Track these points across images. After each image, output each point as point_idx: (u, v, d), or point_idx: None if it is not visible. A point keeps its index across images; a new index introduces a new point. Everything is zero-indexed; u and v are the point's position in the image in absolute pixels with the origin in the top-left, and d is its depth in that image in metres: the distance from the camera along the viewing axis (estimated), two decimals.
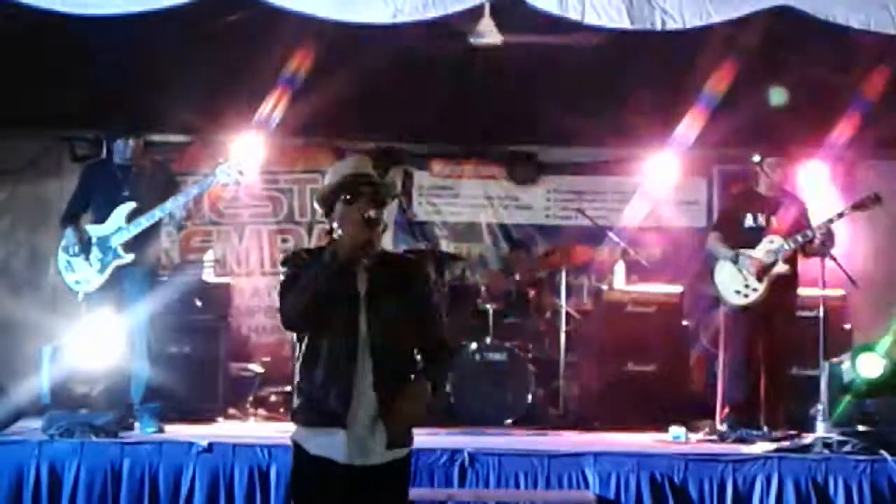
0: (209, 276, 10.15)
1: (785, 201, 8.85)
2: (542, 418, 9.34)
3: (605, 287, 10.30)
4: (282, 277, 4.35)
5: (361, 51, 8.72)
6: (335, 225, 4.23)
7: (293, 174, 11.60)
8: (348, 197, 4.23)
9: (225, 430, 8.34)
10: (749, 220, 8.77)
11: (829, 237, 8.47)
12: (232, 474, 6.63)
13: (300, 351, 4.28)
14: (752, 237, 8.68)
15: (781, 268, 8.53)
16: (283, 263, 4.40)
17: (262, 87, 9.71)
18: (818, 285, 8.63)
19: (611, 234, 10.56)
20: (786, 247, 8.53)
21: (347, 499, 4.23)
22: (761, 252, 8.56)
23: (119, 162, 8.02)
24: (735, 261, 8.61)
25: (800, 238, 8.50)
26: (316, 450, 4.23)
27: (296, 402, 4.37)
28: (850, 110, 9.89)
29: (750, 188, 8.99)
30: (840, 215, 8.69)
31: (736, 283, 8.57)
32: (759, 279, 8.51)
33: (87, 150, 10.55)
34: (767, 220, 8.73)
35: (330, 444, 4.21)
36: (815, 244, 8.47)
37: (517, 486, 6.62)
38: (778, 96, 9.69)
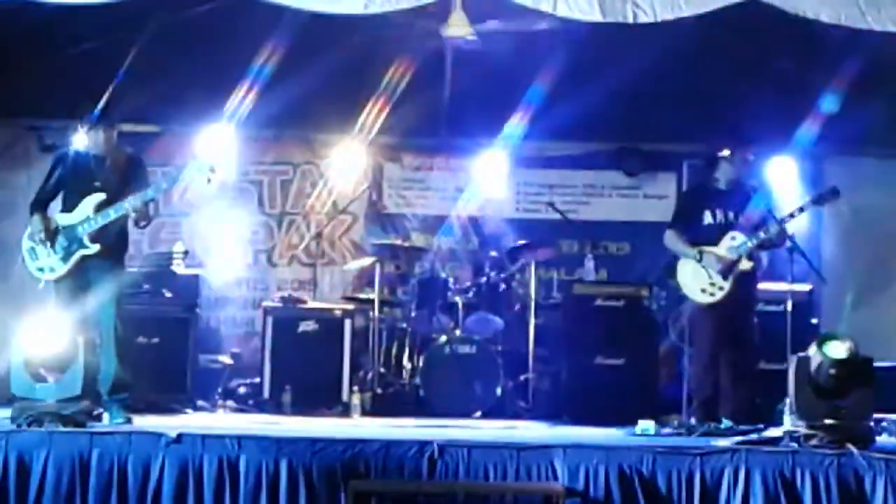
0: (178, 267, 10.10)
1: (747, 196, 8.86)
2: (511, 411, 9.35)
3: (574, 280, 10.34)
4: None
5: (333, 44, 8.71)
6: None
7: (264, 166, 11.57)
8: None
9: (194, 421, 8.31)
10: (708, 217, 8.75)
11: (782, 233, 8.53)
12: (201, 465, 6.58)
13: None
14: (713, 234, 8.66)
15: (746, 265, 8.53)
16: None
17: (234, 79, 9.69)
18: (786, 280, 8.66)
19: (579, 227, 10.58)
20: (749, 243, 8.52)
21: None
22: (724, 249, 8.55)
23: (93, 152, 7.96)
24: (699, 259, 8.60)
25: (762, 234, 8.51)
26: None
27: None
28: (813, 107, 9.95)
29: (711, 185, 8.99)
30: (801, 210, 8.72)
31: (701, 282, 8.54)
32: (725, 277, 8.50)
33: (54, 140, 10.45)
34: (726, 216, 8.74)
35: None
36: (774, 238, 8.53)
37: (486, 478, 6.59)
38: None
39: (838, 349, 6.86)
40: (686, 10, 6.16)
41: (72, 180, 7.96)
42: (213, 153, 8.23)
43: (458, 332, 9.73)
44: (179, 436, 6.67)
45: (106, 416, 7.66)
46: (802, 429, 6.75)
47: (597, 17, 6.15)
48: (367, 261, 10.46)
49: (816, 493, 6.36)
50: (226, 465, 6.57)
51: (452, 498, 6.61)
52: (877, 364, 7.73)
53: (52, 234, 7.83)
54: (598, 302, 9.68)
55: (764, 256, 9.04)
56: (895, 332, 10.15)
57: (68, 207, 7.90)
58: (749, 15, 6.50)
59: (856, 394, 6.78)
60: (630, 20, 6.15)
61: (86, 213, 7.80)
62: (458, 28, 8.89)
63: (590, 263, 10.24)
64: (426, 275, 10.40)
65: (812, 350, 6.89)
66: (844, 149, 10.99)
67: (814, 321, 9.91)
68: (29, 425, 6.83)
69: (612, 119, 10.56)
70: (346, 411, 9.23)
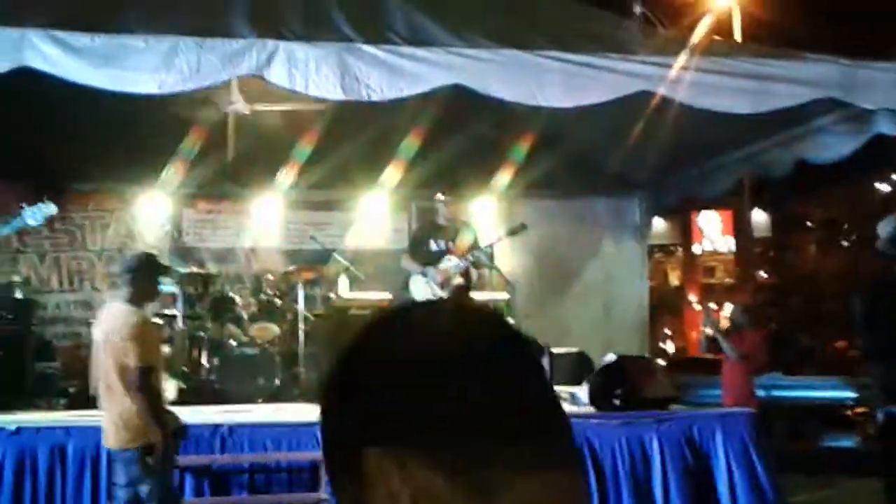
0: (18, 293, 9.71)
1: (461, 229, 9.14)
2: (286, 397, 9.32)
3: (332, 296, 10.41)
4: None
5: (143, 114, 8.54)
6: None
7: (86, 213, 11.24)
8: None
9: (31, 417, 7.98)
10: (433, 245, 9.01)
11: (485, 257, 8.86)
12: (36, 453, 6.36)
13: None
14: (437, 257, 8.93)
15: (458, 280, 8.80)
16: None
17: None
18: (488, 290, 8.92)
19: (335, 254, 10.63)
20: (461, 264, 8.80)
21: None
22: (443, 268, 8.82)
23: None
24: (425, 275, 8.83)
25: (470, 258, 8.79)
26: None
27: None
28: (507, 161, 10.28)
29: (434, 220, 9.24)
30: (499, 239, 9.04)
31: (426, 293, 8.78)
32: (443, 288, 8.75)
33: None
34: (446, 244, 9.00)
35: None
36: (479, 261, 8.84)
37: (265, 450, 6.60)
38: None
39: None
40: (406, 92, 6.28)
41: None
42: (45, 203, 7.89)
43: (244, 338, 9.66)
44: (18, 429, 6.43)
45: None
46: None
47: (339, 95, 6.19)
48: (170, 289, 10.27)
49: None
50: (57, 453, 6.36)
51: (239, 467, 6.59)
52: (554, 350, 8.07)
53: None
54: (352, 311, 9.82)
55: (474, 273, 9.31)
56: (567, 328, 10.56)
57: None
58: (456, 94, 6.66)
59: None
60: (365, 98, 6.22)
61: None
62: (236, 104, 8.86)
63: (344, 282, 10.34)
64: (218, 294, 10.29)
65: None
66: (530, 192, 11.29)
67: (510, 321, 10.21)
68: None
69: (359, 170, 10.66)
70: None
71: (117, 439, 5.56)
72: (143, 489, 5.50)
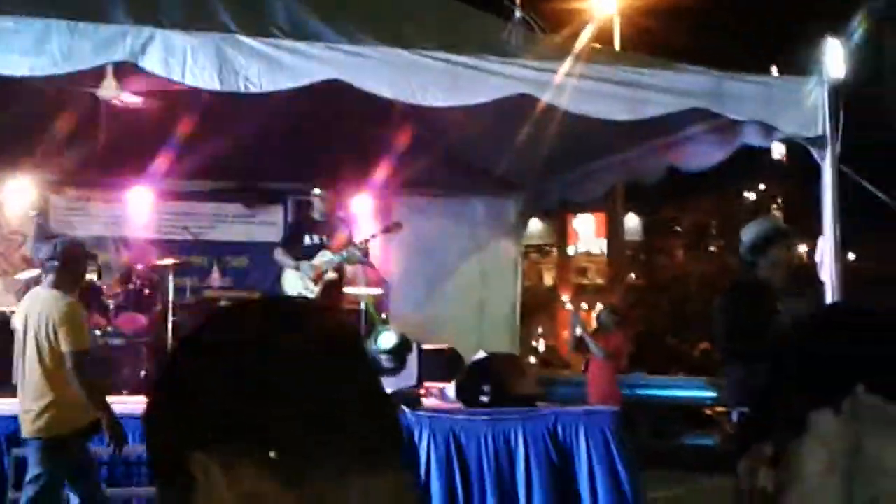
0: None
1: (336, 225, 9.15)
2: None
3: (204, 287, 10.31)
4: None
5: (5, 98, 8.30)
6: None
7: None
8: None
9: None
10: (307, 240, 9.00)
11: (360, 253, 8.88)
12: None
13: None
14: (311, 252, 8.92)
15: (331, 275, 8.81)
16: None
17: None
18: (362, 286, 8.95)
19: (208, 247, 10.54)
20: (335, 259, 8.82)
21: None
22: (316, 263, 8.81)
23: None
24: (298, 269, 8.82)
25: (345, 254, 8.82)
26: None
27: None
28: (386, 158, 10.30)
29: (309, 215, 9.24)
30: (373, 236, 9.09)
31: (298, 287, 8.77)
32: (315, 283, 8.76)
33: None
34: (321, 239, 9.00)
35: None
36: (353, 257, 8.86)
37: (127, 443, 6.49)
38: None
39: (387, 340, 7.20)
40: (285, 85, 6.25)
41: None
42: None
43: (109, 328, 9.49)
44: None
45: None
46: None
47: (217, 86, 6.12)
48: (34, 272, 9.97)
49: None
50: None
51: (100, 459, 6.48)
52: (426, 347, 8.17)
53: None
54: (222, 302, 9.73)
55: (348, 269, 9.33)
56: (441, 325, 10.65)
57: None
58: (336, 89, 6.65)
59: (406, 370, 7.14)
60: (242, 90, 6.15)
61: None
62: (109, 90, 8.68)
63: (216, 274, 10.25)
64: (85, 284, 10.02)
65: (370, 341, 7.21)
66: (408, 190, 11.35)
67: (384, 316, 10.27)
68: None
69: (235, 162, 10.55)
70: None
71: (33, 428, 5.59)
72: (44, 478, 5.57)
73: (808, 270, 7.39)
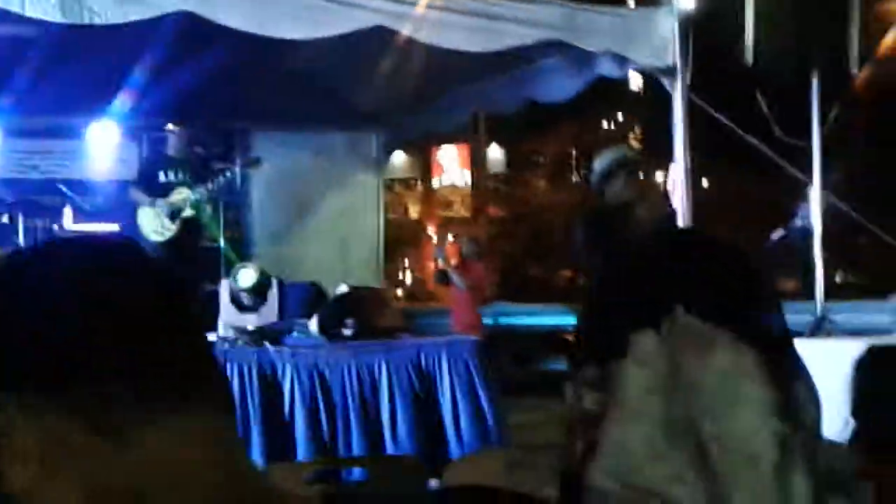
0: None
1: (193, 161, 8.98)
2: None
3: (56, 227, 10.03)
4: None
5: None
6: None
7: None
8: None
9: None
10: (163, 177, 8.81)
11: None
12: None
13: None
14: (166, 189, 8.74)
15: (189, 212, 8.67)
16: None
17: None
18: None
19: (60, 185, 10.20)
20: (191, 197, 8.67)
21: None
22: (173, 200, 8.65)
23: None
24: (153, 205, 8.64)
25: (203, 190, 8.68)
26: None
27: None
28: (240, 91, 10.02)
29: (164, 151, 9.03)
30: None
31: (155, 224, 8.60)
32: (172, 220, 8.60)
33: None
34: (178, 178, 8.82)
35: None
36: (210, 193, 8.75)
37: None
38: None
39: (246, 277, 7.13)
40: (132, 17, 6.08)
41: None
42: None
43: None
44: None
45: None
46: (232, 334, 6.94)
47: (58, 17, 5.90)
48: None
49: (242, 378, 6.56)
50: None
51: None
52: (287, 283, 8.11)
53: None
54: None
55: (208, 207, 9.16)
56: (303, 261, 10.59)
57: None
58: (190, 22, 6.44)
59: (267, 307, 7.08)
60: (86, 21, 5.95)
61: None
62: None
63: (68, 212, 9.97)
64: None
65: (231, 278, 7.12)
66: (263, 125, 11.15)
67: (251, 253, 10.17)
68: None
69: (87, 97, 10.14)
70: None
71: None
72: None
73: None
